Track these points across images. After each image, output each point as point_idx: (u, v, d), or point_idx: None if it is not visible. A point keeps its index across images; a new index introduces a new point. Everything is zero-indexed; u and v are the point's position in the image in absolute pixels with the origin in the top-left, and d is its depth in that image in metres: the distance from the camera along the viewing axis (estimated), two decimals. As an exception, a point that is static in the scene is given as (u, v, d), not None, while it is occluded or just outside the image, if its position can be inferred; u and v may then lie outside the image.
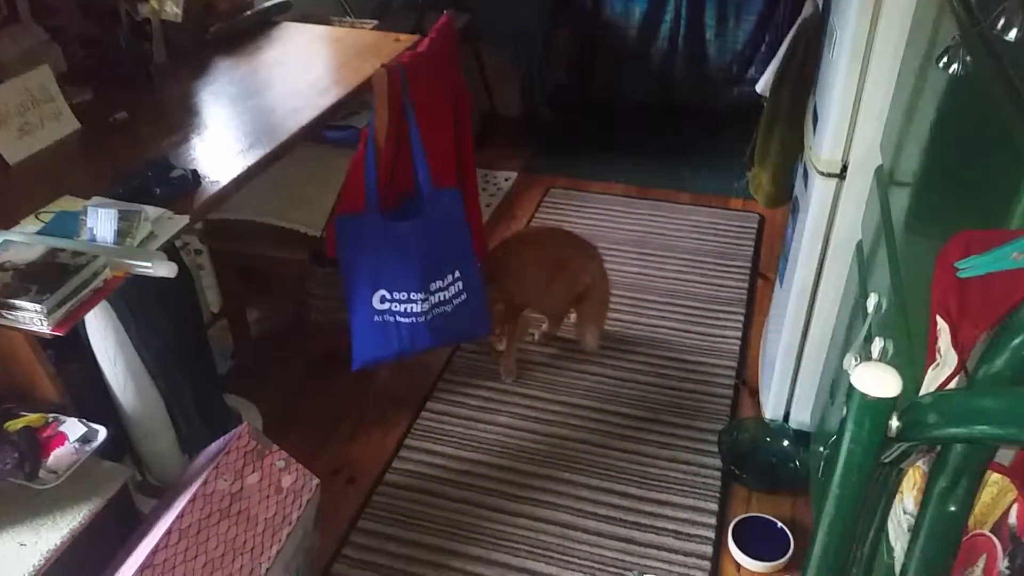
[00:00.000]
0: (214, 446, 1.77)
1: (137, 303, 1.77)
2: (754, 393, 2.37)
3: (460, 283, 2.09)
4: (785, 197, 2.79)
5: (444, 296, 2.06)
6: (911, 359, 1.26)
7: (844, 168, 1.81)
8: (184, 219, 1.63)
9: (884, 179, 1.68)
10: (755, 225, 3.13)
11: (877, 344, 1.44)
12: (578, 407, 2.35)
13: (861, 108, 1.72)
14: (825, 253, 1.92)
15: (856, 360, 1.58)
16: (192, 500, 1.58)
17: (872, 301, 1.53)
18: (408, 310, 2.00)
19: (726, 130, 3.62)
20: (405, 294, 1.99)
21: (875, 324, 1.53)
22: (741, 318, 2.66)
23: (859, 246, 1.80)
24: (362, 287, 1.98)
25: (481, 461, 2.19)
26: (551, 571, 1.90)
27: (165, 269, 1.45)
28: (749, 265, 2.90)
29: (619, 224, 3.17)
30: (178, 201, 1.67)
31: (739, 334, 2.59)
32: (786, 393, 2.16)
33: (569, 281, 2.42)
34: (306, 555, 1.84)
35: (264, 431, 2.26)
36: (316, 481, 1.79)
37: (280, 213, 2.22)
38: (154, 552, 1.49)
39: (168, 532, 1.52)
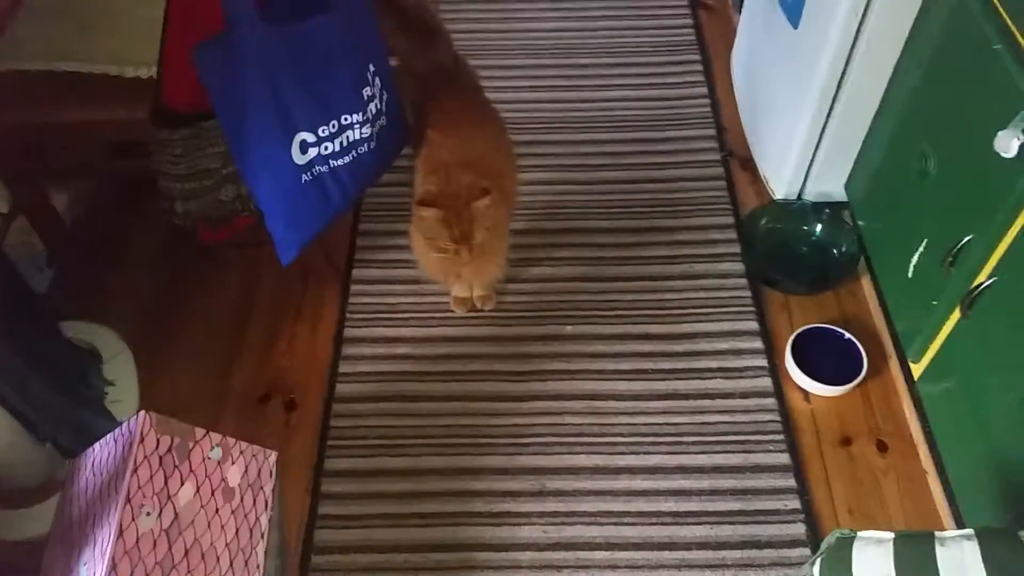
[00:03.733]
0: (101, 454, 1.13)
1: None
2: (747, 165, 1.92)
3: (379, 80, 1.42)
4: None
5: (377, 106, 1.40)
6: None
7: None
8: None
9: None
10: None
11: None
12: (553, 233, 1.81)
13: None
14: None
15: (1020, 138, 1.14)
16: (112, 570, 0.99)
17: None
18: (347, 142, 1.36)
19: None
20: (335, 124, 1.33)
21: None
22: (700, 68, 2.13)
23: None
24: (268, 142, 1.27)
25: (455, 336, 1.66)
26: (595, 462, 1.48)
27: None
28: (682, -8, 2.32)
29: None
30: None
31: (705, 91, 2.08)
32: (806, 163, 1.73)
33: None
34: (281, 537, 1.32)
35: (137, 363, 1.60)
36: (273, 455, 1.23)
37: (71, 50, 1.39)
38: None
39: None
